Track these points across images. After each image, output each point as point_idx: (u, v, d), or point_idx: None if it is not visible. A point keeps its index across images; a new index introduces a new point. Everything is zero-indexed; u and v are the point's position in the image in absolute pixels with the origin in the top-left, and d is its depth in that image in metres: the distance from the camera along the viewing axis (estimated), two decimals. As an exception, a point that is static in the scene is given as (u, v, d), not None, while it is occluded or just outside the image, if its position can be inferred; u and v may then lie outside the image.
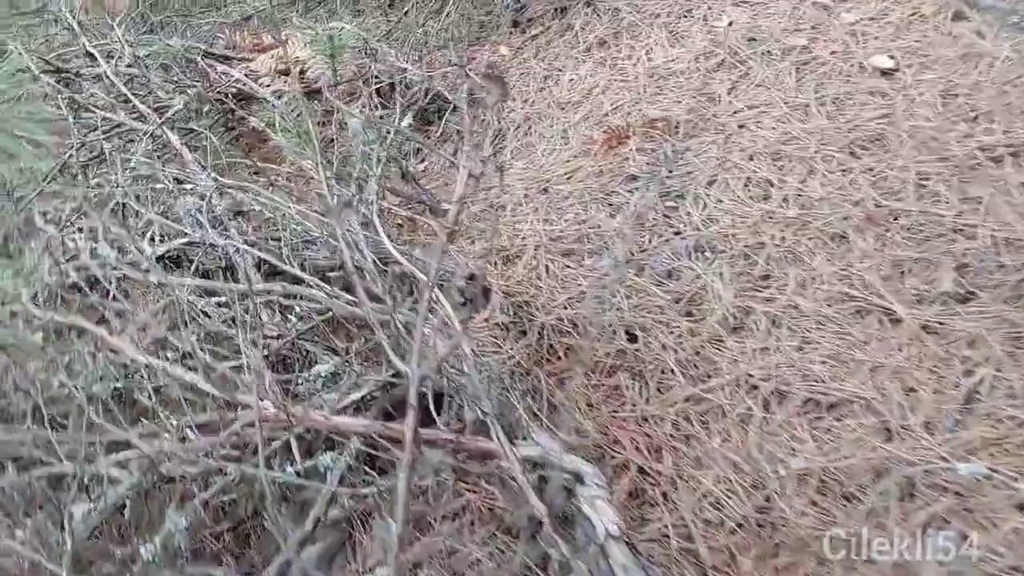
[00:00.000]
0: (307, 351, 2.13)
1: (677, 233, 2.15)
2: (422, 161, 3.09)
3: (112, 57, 3.16)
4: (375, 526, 1.74)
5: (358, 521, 1.81)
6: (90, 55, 3.00)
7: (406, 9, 4.12)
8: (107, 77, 2.90)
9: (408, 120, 3.01)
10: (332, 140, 2.89)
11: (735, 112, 2.49)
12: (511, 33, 3.60)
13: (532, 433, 1.65)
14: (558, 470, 1.51)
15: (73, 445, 1.89)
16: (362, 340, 1.95)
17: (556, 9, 3.57)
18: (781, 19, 2.76)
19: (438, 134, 3.18)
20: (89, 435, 1.89)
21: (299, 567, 1.73)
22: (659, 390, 1.84)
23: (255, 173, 2.77)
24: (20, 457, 1.94)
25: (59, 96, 2.68)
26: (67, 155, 2.53)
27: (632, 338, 1.92)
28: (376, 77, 3.20)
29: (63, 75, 3.00)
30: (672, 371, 1.85)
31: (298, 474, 1.81)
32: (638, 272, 2.05)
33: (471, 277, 1.81)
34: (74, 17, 3.22)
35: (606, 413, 1.80)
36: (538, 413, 1.75)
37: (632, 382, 1.85)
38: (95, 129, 2.70)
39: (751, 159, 2.30)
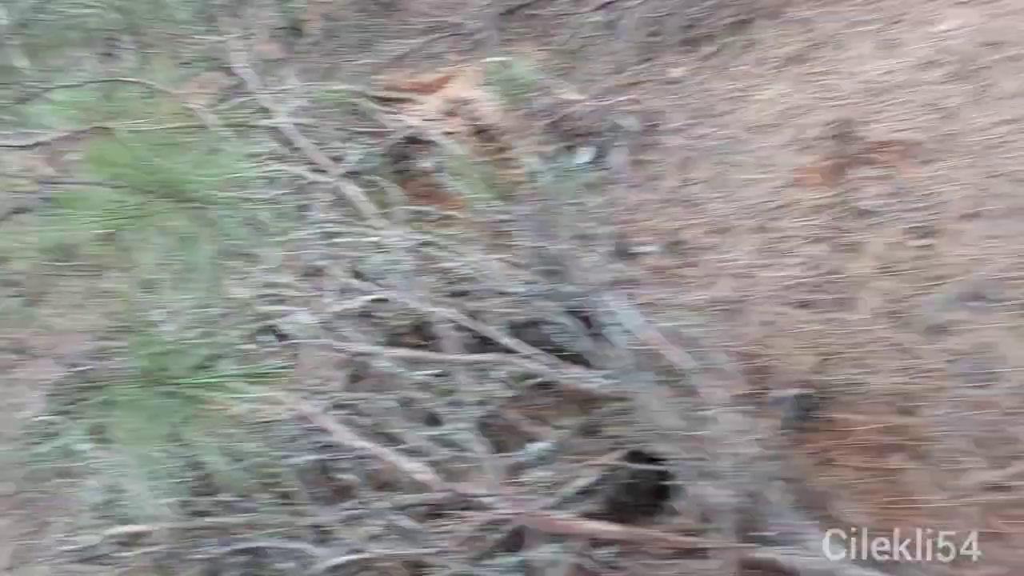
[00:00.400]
0: (509, 420, 1.95)
1: (938, 278, 1.82)
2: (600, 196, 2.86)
3: (279, 102, 3.14)
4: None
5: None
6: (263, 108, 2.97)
7: (565, 36, 3.95)
8: (281, 129, 2.85)
9: (587, 155, 2.82)
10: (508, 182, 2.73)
11: (982, 129, 2.14)
12: (681, 53, 3.34)
13: (806, 536, 1.39)
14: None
15: (276, 520, 1.79)
16: (581, 414, 1.74)
17: (733, 23, 3.29)
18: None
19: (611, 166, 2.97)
20: (292, 510, 1.79)
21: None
22: (950, 475, 1.52)
23: (431, 221, 2.64)
24: (222, 529, 1.86)
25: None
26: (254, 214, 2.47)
27: (906, 410, 1.62)
28: (546, 111, 3.03)
29: (238, 128, 2.98)
30: (964, 451, 1.53)
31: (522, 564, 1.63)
32: (902, 327, 1.74)
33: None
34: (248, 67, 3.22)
35: (884, 504, 1.50)
36: (802, 507, 1.48)
37: (913, 465, 1.54)
38: (274, 182, 2.65)
39: (1018, 184, 1.94)
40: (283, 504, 1.77)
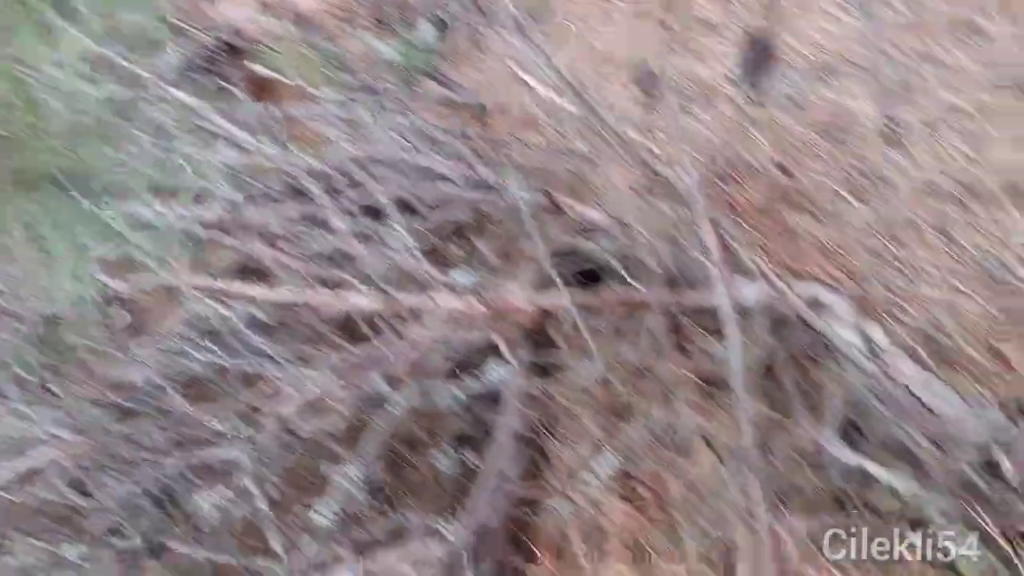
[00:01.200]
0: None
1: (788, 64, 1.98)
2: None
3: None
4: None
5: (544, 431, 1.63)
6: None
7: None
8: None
9: (430, 33, 2.76)
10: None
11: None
12: None
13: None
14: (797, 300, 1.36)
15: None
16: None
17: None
18: None
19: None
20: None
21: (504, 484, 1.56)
22: (831, 222, 1.69)
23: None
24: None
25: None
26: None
27: (787, 173, 1.77)
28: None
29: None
30: (839, 196, 1.71)
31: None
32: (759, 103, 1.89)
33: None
34: None
35: (790, 249, 1.64)
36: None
37: (804, 217, 1.70)
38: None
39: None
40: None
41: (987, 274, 1.50)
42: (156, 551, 1.40)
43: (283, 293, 1.48)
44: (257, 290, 1.49)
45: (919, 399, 1.17)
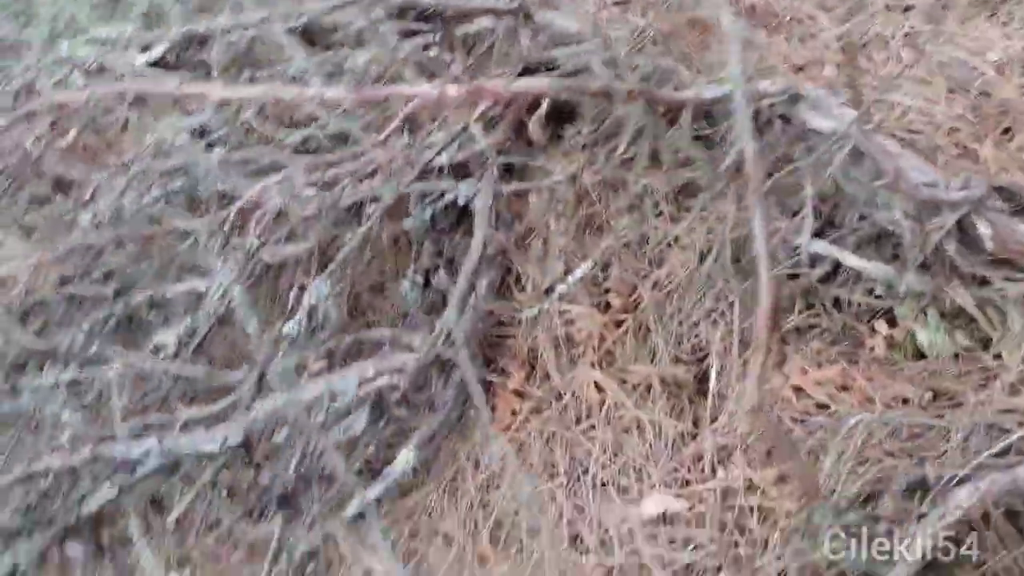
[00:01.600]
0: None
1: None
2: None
3: None
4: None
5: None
6: None
7: None
8: None
9: None
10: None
11: None
12: None
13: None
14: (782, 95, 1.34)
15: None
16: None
17: None
18: None
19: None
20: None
21: (474, 299, 1.54)
22: (801, 40, 1.68)
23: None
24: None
25: None
26: None
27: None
28: None
29: None
30: (811, 16, 1.69)
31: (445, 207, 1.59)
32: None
33: None
34: None
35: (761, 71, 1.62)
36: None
37: (776, 35, 1.68)
38: None
39: None
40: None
41: (959, 83, 1.50)
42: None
43: (249, 90, 1.40)
44: (219, 90, 1.40)
45: (898, 169, 1.17)
